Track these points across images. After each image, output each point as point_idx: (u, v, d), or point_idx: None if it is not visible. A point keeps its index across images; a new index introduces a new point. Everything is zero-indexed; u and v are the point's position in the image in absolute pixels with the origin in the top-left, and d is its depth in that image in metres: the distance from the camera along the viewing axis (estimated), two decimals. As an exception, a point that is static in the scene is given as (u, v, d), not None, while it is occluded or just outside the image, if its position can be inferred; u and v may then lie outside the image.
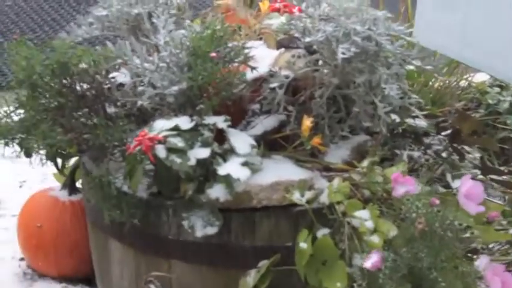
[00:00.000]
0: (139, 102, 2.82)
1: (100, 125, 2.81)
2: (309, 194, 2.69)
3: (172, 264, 2.81)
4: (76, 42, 3.03)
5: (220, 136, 2.72)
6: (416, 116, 2.97)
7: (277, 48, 2.97)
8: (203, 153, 2.64)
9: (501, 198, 3.20)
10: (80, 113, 2.87)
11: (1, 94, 2.97)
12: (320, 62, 2.83)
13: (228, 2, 3.29)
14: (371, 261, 2.47)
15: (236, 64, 2.82)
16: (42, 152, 2.91)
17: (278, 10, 3.20)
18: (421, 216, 2.48)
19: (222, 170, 2.63)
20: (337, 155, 2.84)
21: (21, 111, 2.93)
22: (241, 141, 2.73)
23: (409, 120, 2.99)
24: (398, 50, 2.79)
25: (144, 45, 2.91)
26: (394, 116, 2.90)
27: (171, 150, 2.62)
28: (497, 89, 3.65)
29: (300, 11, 3.00)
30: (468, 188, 2.56)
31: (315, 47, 2.80)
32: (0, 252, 3.64)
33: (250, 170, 2.67)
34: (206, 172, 2.66)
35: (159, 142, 2.62)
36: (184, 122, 2.69)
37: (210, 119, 2.72)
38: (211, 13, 3.17)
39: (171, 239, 2.76)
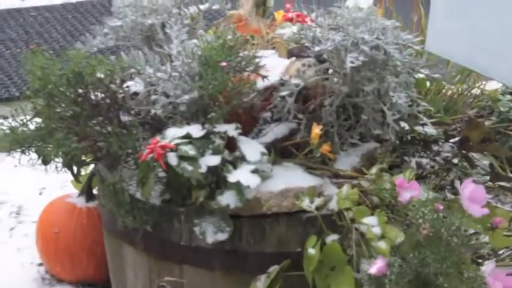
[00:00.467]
0: (153, 111, 2.86)
1: (114, 133, 2.82)
2: (318, 201, 2.70)
3: (184, 270, 2.83)
4: (91, 52, 3.06)
5: (231, 144, 2.73)
6: (426, 124, 2.98)
7: (288, 57, 2.99)
8: (214, 160, 2.66)
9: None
10: (94, 121, 2.88)
11: (18, 103, 2.98)
12: (330, 71, 2.85)
13: (241, 12, 3.31)
14: (376, 266, 2.49)
15: (247, 73, 2.85)
16: (58, 159, 2.93)
17: (291, 20, 3.22)
18: (425, 222, 2.50)
19: (232, 177, 2.65)
20: (346, 162, 2.85)
21: (38, 120, 2.95)
22: (252, 148, 2.74)
23: (419, 128, 2.99)
24: (407, 59, 2.81)
25: (158, 55, 2.94)
26: (403, 124, 2.91)
27: (182, 157, 2.64)
28: (509, 97, 3.63)
29: (312, 20, 3.03)
30: (471, 191, 2.58)
31: (324, 56, 2.82)
32: (20, 258, 3.66)
33: (260, 177, 2.68)
34: (217, 179, 2.67)
35: (171, 150, 2.65)
36: (196, 130, 2.71)
37: (221, 127, 2.73)
38: (224, 23, 3.19)
39: (183, 245, 2.78)
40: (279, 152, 2.83)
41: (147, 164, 2.67)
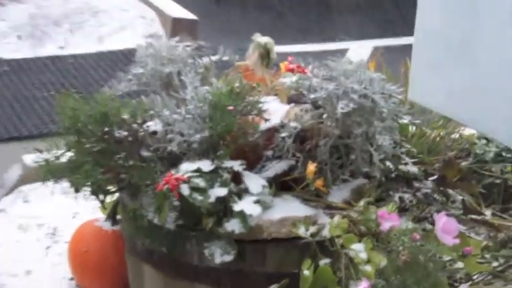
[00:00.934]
0: (169, 148, 2.86)
1: (135, 166, 2.84)
2: (313, 229, 2.71)
3: (195, 287, 2.83)
4: (117, 95, 3.08)
5: (237, 177, 2.75)
6: (407, 163, 2.99)
7: (288, 103, 3.01)
8: (221, 192, 2.68)
9: (486, 236, 3.19)
10: (118, 156, 2.89)
11: (53, 139, 3.00)
12: (324, 116, 2.86)
13: (247, 63, 3.34)
14: (361, 287, 2.50)
15: (252, 116, 2.87)
16: (87, 188, 2.95)
17: (292, 70, 3.24)
18: (404, 249, 2.51)
19: (237, 206, 2.67)
20: (338, 195, 2.85)
21: (69, 153, 2.97)
22: (255, 182, 2.76)
23: (402, 167, 3.00)
24: (391, 106, 2.83)
25: (174, 99, 2.95)
26: (388, 163, 2.92)
27: (193, 189, 2.67)
28: (484, 141, 3.65)
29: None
30: (443, 223, 2.59)
31: (319, 102, 2.84)
32: (54, 273, 3.65)
33: (262, 207, 2.70)
34: (224, 208, 2.69)
35: (184, 182, 2.67)
36: (206, 165, 2.73)
37: (228, 163, 2.75)
38: (232, 72, 3.20)
39: (195, 265, 2.79)
40: (279, 185, 2.84)
41: (163, 193, 2.69)
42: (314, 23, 8.34)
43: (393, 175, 2.97)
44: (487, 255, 3.04)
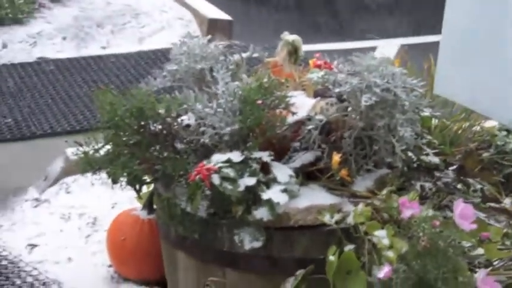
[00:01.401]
0: (202, 140, 2.89)
1: (169, 158, 2.88)
2: (337, 216, 2.73)
3: (225, 272, 2.85)
4: (152, 91, 3.11)
5: (265, 168, 2.77)
6: (429, 154, 2.99)
7: (314, 97, 3.03)
8: (251, 181, 2.70)
9: (506, 223, 3.18)
10: (153, 148, 2.93)
11: (92, 134, 3.04)
12: (348, 109, 2.88)
13: (276, 60, 3.36)
14: (383, 272, 2.51)
15: (280, 110, 2.89)
16: (124, 179, 2.98)
17: (319, 66, 3.25)
18: (424, 235, 2.52)
19: (265, 195, 2.69)
20: (362, 184, 2.87)
21: (107, 146, 3.00)
22: (282, 172, 2.78)
23: (424, 157, 3.01)
24: (412, 100, 2.84)
25: (206, 94, 2.98)
26: (410, 154, 2.93)
27: (224, 178, 2.69)
28: (504, 133, 3.64)
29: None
30: (461, 210, 2.59)
31: (344, 96, 2.86)
32: (94, 260, 3.70)
33: (289, 195, 2.72)
34: (253, 197, 2.71)
35: (215, 172, 2.70)
36: (236, 156, 2.76)
37: (257, 154, 2.78)
38: (262, 69, 3.23)
39: (225, 251, 2.81)
40: (306, 175, 2.86)
41: (195, 183, 2.72)
42: (345, 22, 8.34)
43: (415, 165, 2.98)
44: (507, 242, 3.04)
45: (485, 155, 3.41)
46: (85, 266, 3.68)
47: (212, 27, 6.91)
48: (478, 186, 3.02)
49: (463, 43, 2.78)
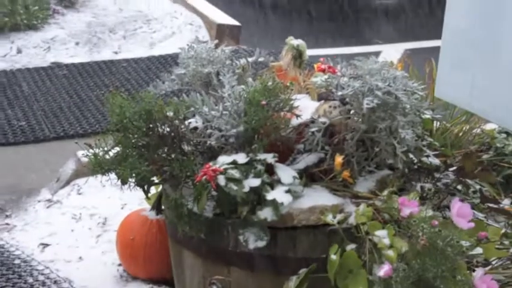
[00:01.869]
0: (209, 142, 2.90)
1: (176, 159, 2.87)
2: (339, 216, 2.73)
3: (230, 270, 2.86)
4: (160, 94, 3.11)
5: (270, 169, 2.77)
6: (429, 155, 2.99)
7: (318, 100, 3.03)
8: (255, 182, 2.70)
9: (505, 224, 3.18)
10: (161, 150, 2.93)
11: (102, 136, 3.04)
12: (351, 111, 2.88)
13: (281, 64, 3.36)
14: (383, 270, 2.51)
15: (284, 112, 2.89)
16: (132, 180, 2.98)
17: (323, 70, 3.24)
18: (423, 234, 2.52)
19: (270, 195, 2.69)
20: (364, 185, 2.86)
21: (116, 148, 3.00)
22: (286, 173, 2.78)
23: (425, 159, 3.01)
24: (413, 102, 2.84)
25: (213, 97, 2.98)
26: (411, 155, 2.92)
27: (229, 179, 2.69)
28: (504, 135, 3.64)
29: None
30: (458, 208, 2.59)
31: (347, 99, 2.86)
32: (105, 259, 3.71)
33: (293, 196, 2.71)
34: (258, 198, 2.71)
35: (220, 173, 2.70)
36: (241, 158, 2.76)
37: (262, 156, 2.77)
38: (267, 72, 3.23)
39: (230, 250, 2.81)
40: (309, 176, 2.86)
41: (201, 184, 2.72)
42: (351, 28, 8.34)
43: (415, 166, 2.98)
44: (506, 242, 3.04)
45: (485, 157, 3.42)
46: (95, 265, 3.69)
47: (220, 32, 6.93)
48: (478, 187, 3.01)
49: (462, 48, 2.78)
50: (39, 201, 4.30)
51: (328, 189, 2.84)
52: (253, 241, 2.73)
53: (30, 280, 3.55)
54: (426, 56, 3.92)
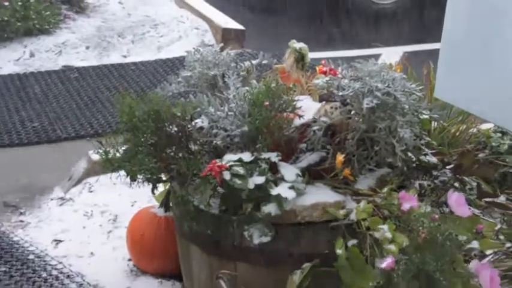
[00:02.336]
0: (214, 142, 2.91)
1: (183, 158, 2.89)
2: (341, 213, 2.74)
3: (236, 265, 2.86)
4: (167, 95, 3.12)
5: (273, 167, 2.78)
6: (427, 154, 3.00)
7: (320, 101, 3.03)
8: (260, 180, 2.71)
9: (500, 220, 3.18)
10: (168, 149, 2.94)
11: (112, 135, 3.05)
12: (351, 112, 2.89)
13: (284, 66, 3.37)
14: (386, 262, 2.52)
15: (287, 113, 2.90)
16: (141, 177, 2.99)
17: (325, 73, 3.25)
18: (423, 228, 2.53)
19: (274, 191, 2.69)
20: (364, 183, 2.87)
21: (126, 147, 3.01)
22: (290, 171, 2.78)
23: (423, 157, 3.01)
24: (411, 103, 2.85)
25: (218, 99, 2.99)
26: (409, 154, 2.93)
27: (234, 175, 2.71)
28: (499, 134, 3.65)
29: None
30: (455, 199, 2.61)
31: (347, 100, 2.86)
32: (115, 254, 3.71)
33: (296, 192, 2.72)
34: (263, 195, 2.71)
35: (226, 169, 2.71)
36: (246, 156, 2.76)
37: (266, 155, 2.78)
38: (271, 75, 3.23)
39: (236, 245, 2.82)
40: (311, 174, 2.86)
41: (206, 177, 2.73)
42: (351, 31, 8.34)
43: (414, 165, 2.98)
44: (501, 237, 3.05)
45: (481, 155, 3.42)
46: (106, 260, 3.69)
47: (226, 36, 6.93)
48: (474, 184, 3.02)
49: (460, 51, 2.79)
50: (52, 199, 4.30)
51: (330, 187, 2.85)
52: (258, 236, 2.73)
53: (44, 275, 3.56)
54: (424, 59, 3.93)
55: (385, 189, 2.76)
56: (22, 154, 4.95)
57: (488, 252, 2.93)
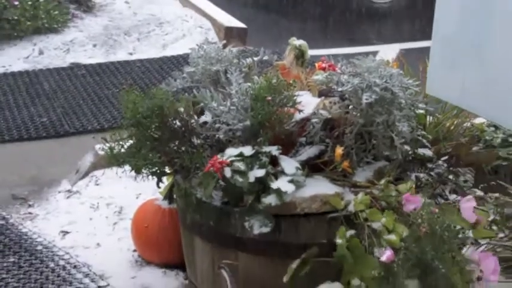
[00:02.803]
0: (217, 136, 2.89)
1: (186, 152, 2.87)
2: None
3: (238, 255, 2.85)
4: (171, 91, 3.11)
5: (274, 161, 2.76)
6: (424, 146, 2.98)
7: (319, 96, 3.02)
8: (260, 172, 2.69)
9: (494, 211, 3.17)
10: (172, 143, 2.93)
11: (117, 131, 3.04)
12: (350, 107, 2.87)
13: (284, 62, 3.35)
14: (386, 255, 2.51)
15: (287, 107, 2.88)
16: (145, 170, 2.97)
17: (324, 69, 3.23)
18: (424, 221, 2.52)
19: (274, 185, 2.68)
20: (362, 175, 2.85)
21: (131, 142, 3.00)
22: (289, 164, 2.77)
23: (419, 151, 3.00)
24: (408, 97, 2.83)
25: (221, 94, 2.97)
26: (406, 147, 2.91)
27: (235, 171, 2.69)
28: (492, 128, 3.64)
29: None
30: (466, 204, 2.61)
31: (346, 95, 2.85)
32: (120, 245, 3.70)
33: (295, 185, 2.70)
34: (263, 187, 2.70)
35: (227, 165, 2.69)
36: (247, 150, 2.75)
37: (267, 148, 2.76)
38: (272, 71, 3.22)
39: (237, 236, 2.81)
40: (311, 167, 2.84)
41: (209, 173, 2.71)
42: (350, 29, 8.33)
43: (410, 158, 2.97)
44: (495, 228, 3.04)
45: (475, 148, 3.41)
46: (112, 251, 3.68)
47: (228, 34, 6.91)
48: (468, 176, 3.01)
49: (451, 48, 2.77)
50: (59, 192, 4.29)
51: (329, 179, 2.83)
52: (258, 227, 2.71)
53: (52, 265, 3.55)
54: (420, 55, 3.90)
55: (383, 181, 2.75)
56: (31, 148, 4.93)
57: (482, 242, 2.93)
